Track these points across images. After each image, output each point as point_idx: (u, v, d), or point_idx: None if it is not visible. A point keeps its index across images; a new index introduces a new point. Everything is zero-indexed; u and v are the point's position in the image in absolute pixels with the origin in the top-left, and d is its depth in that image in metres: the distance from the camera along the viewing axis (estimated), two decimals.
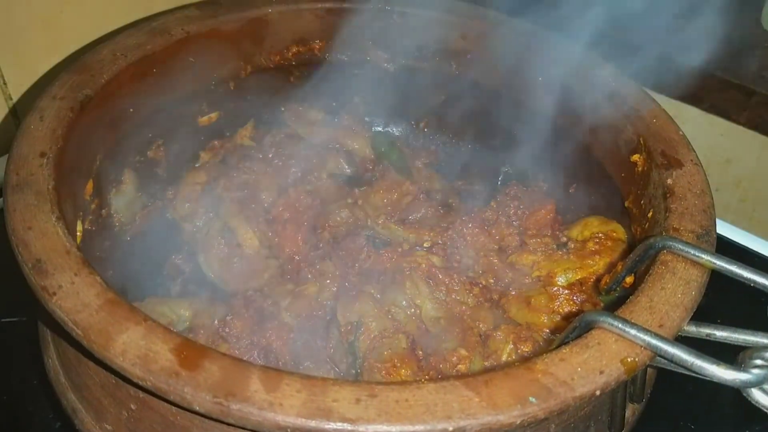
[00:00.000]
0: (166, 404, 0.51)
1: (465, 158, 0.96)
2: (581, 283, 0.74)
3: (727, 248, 0.90)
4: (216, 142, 0.91)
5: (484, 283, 0.79)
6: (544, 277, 0.77)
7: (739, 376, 0.49)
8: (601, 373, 0.50)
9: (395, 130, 1.00)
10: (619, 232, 0.77)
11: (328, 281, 0.79)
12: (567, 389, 0.49)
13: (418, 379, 0.68)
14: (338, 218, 0.85)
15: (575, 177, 0.85)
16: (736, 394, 0.51)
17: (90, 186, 0.73)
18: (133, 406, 0.56)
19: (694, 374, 0.51)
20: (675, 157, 0.70)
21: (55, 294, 0.52)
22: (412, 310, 0.75)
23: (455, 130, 0.98)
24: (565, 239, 0.81)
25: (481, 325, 0.74)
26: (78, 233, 0.70)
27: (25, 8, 0.91)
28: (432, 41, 0.92)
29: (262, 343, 0.73)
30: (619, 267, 0.67)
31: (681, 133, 0.73)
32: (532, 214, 0.85)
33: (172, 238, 0.85)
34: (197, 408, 0.47)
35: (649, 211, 0.70)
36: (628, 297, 0.57)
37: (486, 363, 0.71)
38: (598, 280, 0.73)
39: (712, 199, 0.66)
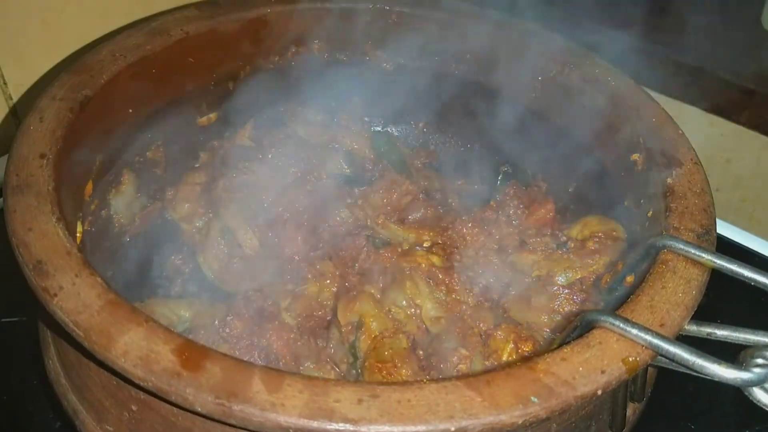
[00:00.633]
0: (167, 405, 0.51)
1: (464, 158, 0.96)
2: (581, 282, 0.74)
3: (728, 248, 0.90)
4: (215, 143, 0.91)
5: (484, 282, 0.79)
6: (544, 277, 0.77)
7: (740, 375, 0.49)
8: (603, 372, 0.50)
9: (394, 130, 1.00)
10: (618, 231, 0.77)
11: (328, 281, 0.79)
12: (569, 389, 0.49)
13: (419, 379, 0.68)
14: (338, 218, 0.85)
15: (574, 176, 0.85)
16: (736, 394, 0.51)
17: (89, 187, 0.73)
18: (134, 407, 0.56)
19: (695, 373, 0.51)
20: (675, 156, 0.70)
21: (56, 295, 0.52)
22: (413, 310, 0.75)
23: (454, 130, 0.98)
24: (564, 239, 0.81)
25: (481, 325, 0.74)
26: (78, 234, 0.70)
27: (25, 8, 0.91)
28: (431, 41, 0.92)
29: (262, 344, 0.73)
30: (620, 266, 0.67)
31: (680, 132, 0.73)
32: (531, 214, 0.85)
33: (172, 238, 0.85)
34: (199, 409, 0.47)
35: (648, 210, 0.70)
36: (629, 296, 0.57)
37: (487, 363, 0.71)
38: (598, 279, 0.73)
39: (712, 198, 0.66)
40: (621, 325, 0.52)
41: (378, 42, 0.93)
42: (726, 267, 0.57)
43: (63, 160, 0.64)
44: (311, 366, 0.73)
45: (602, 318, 0.53)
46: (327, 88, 0.95)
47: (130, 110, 0.78)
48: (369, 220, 0.85)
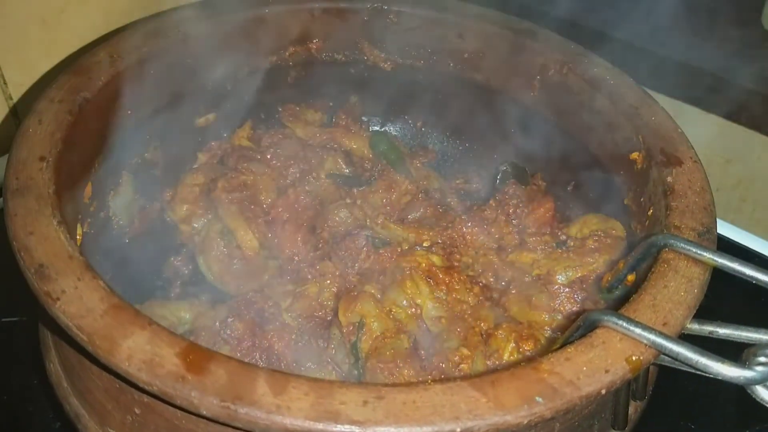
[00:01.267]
0: (171, 408, 0.51)
1: (463, 157, 0.96)
2: (581, 281, 0.75)
3: (728, 248, 0.90)
4: (214, 144, 0.91)
5: (484, 281, 0.79)
6: (544, 276, 0.77)
7: (743, 374, 0.49)
8: (607, 371, 0.50)
9: (393, 130, 1.00)
10: (618, 229, 0.77)
11: (328, 282, 0.78)
12: (573, 389, 0.49)
13: (420, 379, 0.68)
14: (337, 218, 0.85)
15: (574, 175, 0.85)
16: (737, 392, 0.52)
17: (89, 189, 0.73)
18: (137, 411, 0.56)
19: (698, 372, 0.51)
20: (674, 155, 0.71)
21: (58, 299, 0.51)
22: (413, 309, 0.75)
23: (453, 129, 0.98)
24: (564, 237, 0.81)
25: (482, 324, 0.74)
26: (78, 236, 0.69)
27: (26, 8, 0.91)
28: (429, 40, 0.92)
29: (263, 345, 0.73)
30: (621, 265, 0.67)
31: (680, 130, 0.74)
32: (531, 213, 0.85)
33: (171, 240, 0.85)
34: (204, 412, 0.47)
35: (649, 209, 0.70)
36: (630, 295, 0.58)
37: (488, 362, 0.71)
38: (599, 277, 0.73)
39: (713, 196, 0.66)
40: (624, 324, 0.52)
41: (376, 41, 0.93)
42: (727, 265, 0.57)
43: (62, 162, 0.64)
44: (313, 367, 0.73)
45: (605, 317, 0.53)
46: (325, 87, 0.95)
47: (129, 112, 0.78)
48: (368, 220, 0.85)
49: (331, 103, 0.96)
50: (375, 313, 0.74)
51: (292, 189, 0.86)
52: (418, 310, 0.75)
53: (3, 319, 0.81)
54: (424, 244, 0.83)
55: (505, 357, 0.71)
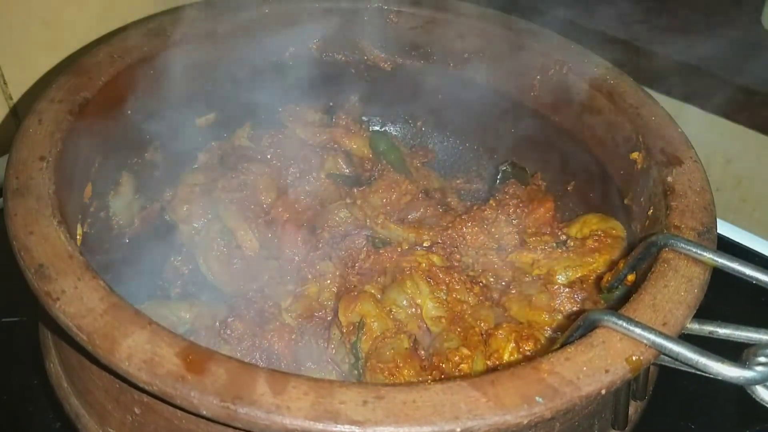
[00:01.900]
0: (171, 408, 0.51)
1: (463, 157, 0.96)
2: (582, 280, 0.74)
3: (728, 248, 0.90)
4: (214, 144, 0.91)
5: (484, 281, 0.79)
6: (544, 276, 0.77)
7: (743, 374, 0.49)
8: (607, 371, 0.50)
9: (393, 130, 1.00)
10: (618, 229, 0.77)
11: (329, 281, 0.78)
12: (573, 388, 0.49)
13: (421, 378, 0.68)
14: (337, 218, 0.85)
15: (574, 175, 0.85)
16: (737, 393, 0.52)
17: (89, 189, 0.73)
18: (137, 410, 0.56)
19: (698, 372, 0.51)
20: (674, 155, 0.70)
21: (58, 299, 0.51)
22: (413, 309, 0.75)
23: (453, 129, 0.98)
24: (564, 237, 0.81)
25: (482, 324, 0.74)
26: (78, 236, 0.69)
27: (26, 8, 0.91)
28: (429, 40, 0.92)
29: (263, 345, 0.73)
30: (621, 265, 0.67)
31: (680, 130, 0.74)
32: (531, 213, 0.85)
33: (171, 240, 0.85)
34: (204, 412, 0.47)
35: (649, 209, 0.70)
36: (630, 295, 0.58)
37: (488, 362, 0.71)
38: (599, 277, 0.73)
39: (713, 196, 0.66)
40: (624, 324, 0.52)
41: (376, 42, 0.93)
42: (727, 265, 0.57)
43: (62, 162, 0.64)
44: (313, 367, 0.73)
45: (605, 317, 0.53)
46: (325, 88, 0.95)
47: (129, 111, 0.78)
48: (368, 220, 0.85)
49: (331, 103, 0.96)
50: (375, 313, 0.73)
51: (292, 189, 0.86)
52: (418, 310, 0.75)
53: (3, 319, 0.81)
54: (424, 244, 0.83)
55: (506, 357, 0.71)
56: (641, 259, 0.62)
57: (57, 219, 0.57)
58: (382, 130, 1.00)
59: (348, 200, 0.87)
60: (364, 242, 0.81)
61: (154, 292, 0.82)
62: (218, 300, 0.78)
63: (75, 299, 0.52)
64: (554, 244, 0.80)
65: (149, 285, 0.82)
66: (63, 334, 0.52)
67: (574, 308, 0.73)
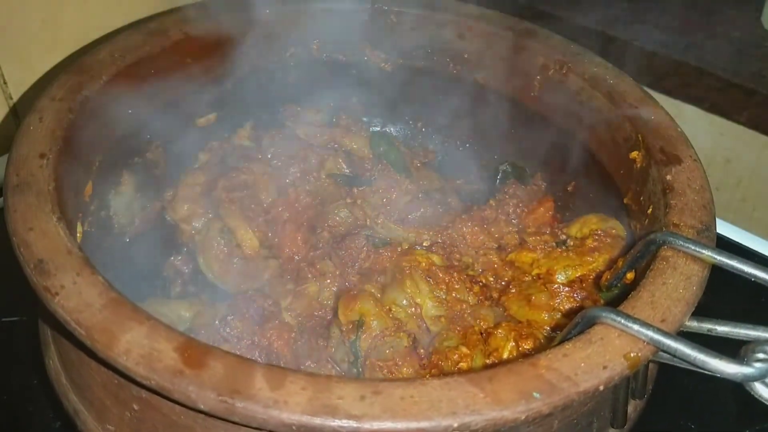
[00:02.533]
0: (169, 403, 0.51)
1: (463, 157, 0.96)
2: (581, 280, 0.74)
3: (728, 247, 0.90)
4: (214, 143, 0.91)
5: (484, 281, 0.79)
6: (543, 275, 0.77)
7: (741, 370, 0.49)
8: (605, 368, 0.50)
9: (393, 130, 1.00)
10: (618, 228, 0.77)
11: (328, 281, 0.79)
12: (571, 384, 0.49)
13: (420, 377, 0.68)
14: (337, 218, 0.85)
15: (574, 174, 0.85)
16: (737, 391, 0.51)
17: (89, 187, 0.73)
18: (135, 406, 0.56)
19: (696, 369, 0.51)
20: (674, 154, 0.70)
21: (57, 294, 0.52)
22: (413, 309, 0.75)
23: (453, 129, 0.98)
24: (564, 237, 0.81)
25: (481, 323, 0.74)
26: (78, 234, 0.70)
27: (26, 7, 0.91)
28: (429, 41, 0.92)
29: (263, 344, 0.73)
30: (620, 263, 0.67)
31: (679, 129, 0.74)
32: (531, 212, 0.85)
33: (172, 239, 0.85)
34: (202, 407, 0.47)
35: (648, 208, 0.70)
36: (629, 293, 0.58)
37: (487, 361, 0.71)
38: (599, 276, 0.73)
39: (712, 194, 0.66)
40: (622, 321, 0.52)
41: (377, 42, 0.94)
42: (726, 263, 0.57)
43: (63, 160, 0.64)
44: (312, 365, 0.73)
45: (603, 314, 0.53)
46: (326, 88, 0.95)
47: (129, 111, 0.78)
48: (368, 220, 0.85)
49: (331, 104, 0.97)
50: (374, 312, 0.73)
51: (293, 188, 0.87)
52: (418, 309, 0.75)
53: (3, 319, 0.81)
54: (424, 244, 0.83)
55: (505, 356, 0.71)
56: (640, 257, 0.62)
57: (56, 215, 0.58)
58: (383, 130, 1.00)
59: (348, 200, 0.88)
60: (364, 242, 0.81)
61: (155, 290, 0.82)
62: (218, 299, 0.79)
63: (74, 294, 0.52)
64: (554, 244, 0.80)
65: (149, 284, 0.82)
66: (62, 329, 0.52)
67: (574, 307, 0.73)
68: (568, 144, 0.84)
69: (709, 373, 0.50)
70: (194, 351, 0.49)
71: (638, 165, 0.73)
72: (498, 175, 0.91)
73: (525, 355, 0.69)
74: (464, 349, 0.71)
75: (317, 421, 0.46)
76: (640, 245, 0.62)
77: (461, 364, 0.70)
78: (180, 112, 0.86)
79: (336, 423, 0.46)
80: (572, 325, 0.55)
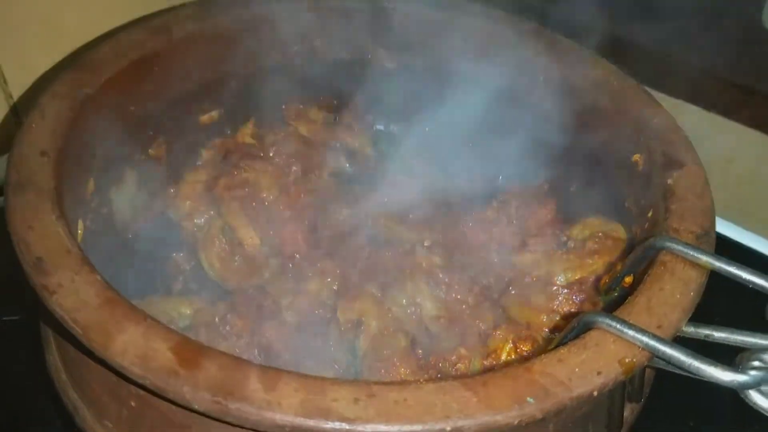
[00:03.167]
0: (165, 402, 0.51)
1: (466, 157, 0.96)
2: (580, 282, 0.74)
3: (728, 247, 0.90)
4: (217, 141, 0.91)
5: (484, 282, 0.79)
6: (543, 277, 0.77)
7: (736, 378, 0.49)
8: (599, 373, 0.50)
9: (396, 129, 1.00)
10: (619, 231, 0.77)
11: (329, 280, 0.79)
12: (564, 390, 0.49)
13: (417, 377, 0.68)
14: (339, 217, 0.85)
15: (576, 177, 0.85)
16: (735, 396, 0.51)
17: (91, 184, 0.74)
18: (133, 404, 0.56)
19: (691, 375, 0.51)
20: (676, 157, 0.70)
21: (55, 293, 0.52)
22: (413, 309, 0.75)
23: (457, 129, 0.97)
24: (565, 239, 0.81)
25: (481, 324, 0.74)
26: (79, 231, 0.70)
27: (26, 7, 0.91)
28: (433, 39, 0.92)
29: (262, 342, 0.73)
30: (618, 267, 0.67)
31: (682, 132, 0.73)
32: (532, 214, 0.85)
33: (173, 236, 0.85)
34: (196, 407, 0.47)
35: (648, 211, 0.70)
36: (627, 297, 0.57)
37: (485, 362, 0.71)
38: (598, 279, 0.73)
39: (713, 200, 0.66)
40: (618, 326, 0.52)
41: (380, 40, 0.93)
42: (724, 269, 0.57)
43: (64, 157, 0.65)
44: (310, 364, 0.73)
45: (599, 319, 0.53)
46: (329, 86, 0.95)
47: (132, 108, 0.79)
48: (370, 219, 0.85)
49: (335, 102, 0.96)
50: (374, 311, 0.74)
51: (294, 187, 0.87)
52: (418, 310, 0.75)
53: (3, 318, 0.81)
54: (425, 244, 0.83)
55: (503, 357, 0.71)
56: (639, 261, 0.62)
57: (56, 213, 0.58)
58: (386, 129, 1.00)
59: (350, 199, 0.88)
60: (365, 241, 0.81)
61: (156, 288, 0.82)
62: (219, 296, 0.79)
63: (71, 293, 0.52)
64: (555, 246, 0.80)
65: (151, 281, 0.82)
66: (60, 328, 0.53)
67: (573, 310, 0.73)
68: (570, 145, 0.84)
69: (704, 379, 0.50)
70: (190, 351, 0.49)
71: (640, 168, 0.73)
72: (500, 176, 0.91)
73: (523, 357, 0.70)
74: (462, 350, 0.71)
75: (310, 423, 0.46)
76: (639, 249, 0.62)
77: (459, 365, 0.70)
78: (183, 109, 0.86)
79: (329, 425, 0.46)
80: (568, 330, 0.56)
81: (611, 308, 0.56)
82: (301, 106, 0.95)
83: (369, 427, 0.46)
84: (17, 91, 0.95)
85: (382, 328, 0.72)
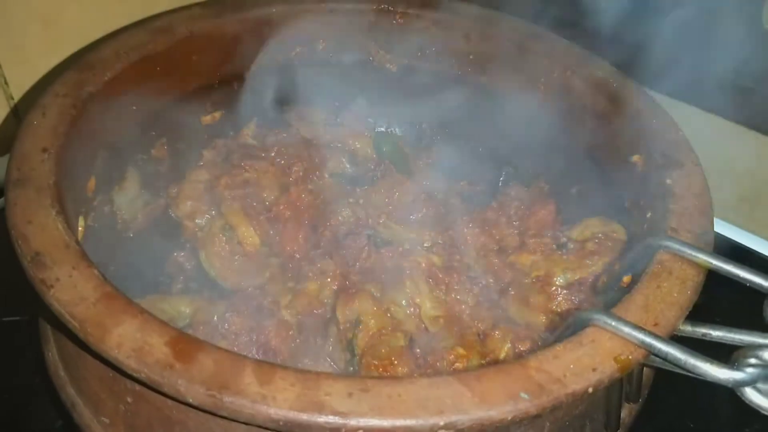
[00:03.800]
0: (161, 397, 0.52)
1: (467, 158, 0.96)
2: (580, 283, 0.74)
3: (727, 247, 0.89)
4: (219, 141, 0.92)
5: (484, 282, 0.79)
6: (543, 277, 0.76)
7: (732, 375, 0.49)
8: (594, 370, 0.50)
9: (397, 131, 1.01)
10: (619, 232, 0.76)
11: (329, 280, 0.79)
12: (559, 386, 0.49)
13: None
14: (339, 217, 0.85)
15: (576, 177, 0.85)
16: (733, 395, 0.51)
17: (92, 183, 0.74)
18: (129, 399, 0.56)
19: (688, 373, 0.51)
20: (675, 158, 0.70)
21: (52, 287, 0.52)
22: (412, 309, 0.75)
23: (457, 131, 0.98)
24: (565, 239, 0.80)
25: (479, 325, 0.74)
26: (80, 229, 0.70)
27: (26, 7, 0.92)
28: (434, 42, 0.92)
29: (261, 341, 0.73)
30: (617, 267, 0.67)
31: (681, 133, 0.73)
32: (532, 215, 0.85)
33: (174, 235, 0.86)
34: (191, 400, 0.47)
35: (648, 212, 0.70)
36: (625, 296, 0.57)
37: (484, 362, 0.71)
38: (597, 280, 0.73)
39: (711, 200, 0.66)
40: (614, 323, 0.52)
41: (382, 42, 0.94)
42: (722, 268, 0.57)
43: (65, 155, 0.65)
44: (309, 363, 0.74)
45: (595, 316, 0.53)
46: (331, 88, 0.95)
47: (134, 108, 0.79)
48: (370, 220, 0.86)
49: (336, 103, 0.97)
50: (372, 311, 0.74)
51: (295, 187, 0.87)
52: (417, 310, 0.75)
53: (3, 318, 0.82)
54: (425, 244, 0.83)
55: (502, 357, 0.71)
56: (637, 260, 0.62)
57: (56, 209, 0.58)
58: (387, 130, 1.00)
59: (350, 199, 0.88)
60: (365, 241, 0.82)
61: (157, 286, 0.82)
62: (219, 296, 0.79)
63: (69, 287, 0.52)
64: (554, 246, 0.80)
65: (151, 279, 0.83)
66: (57, 322, 0.53)
67: (571, 310, 0.73)
68: (571, 146, 0.84)
69: (701, 377, 0.50)
70: (185, 345, 0.49)
71: (639, 168, 0.73)
72: (501, 177, 0.91)
73: (518, 355, 0.70)
74: (461, 350, 0.71)
75: (304, 416, 0.46)
76: (638, 249, 0.62)
77: (457, 364, 0.70)
78: (185, 109, 0.86)
79: (322, 419, 0.46)
80: (564, 327, 0.56)
81: (609, 307, 0.56)
82: (303, 108, 0.95)
83: (362, 421, 0.46)
84: (18, 93, 0.95)
85: (380, 327, 0.72)
